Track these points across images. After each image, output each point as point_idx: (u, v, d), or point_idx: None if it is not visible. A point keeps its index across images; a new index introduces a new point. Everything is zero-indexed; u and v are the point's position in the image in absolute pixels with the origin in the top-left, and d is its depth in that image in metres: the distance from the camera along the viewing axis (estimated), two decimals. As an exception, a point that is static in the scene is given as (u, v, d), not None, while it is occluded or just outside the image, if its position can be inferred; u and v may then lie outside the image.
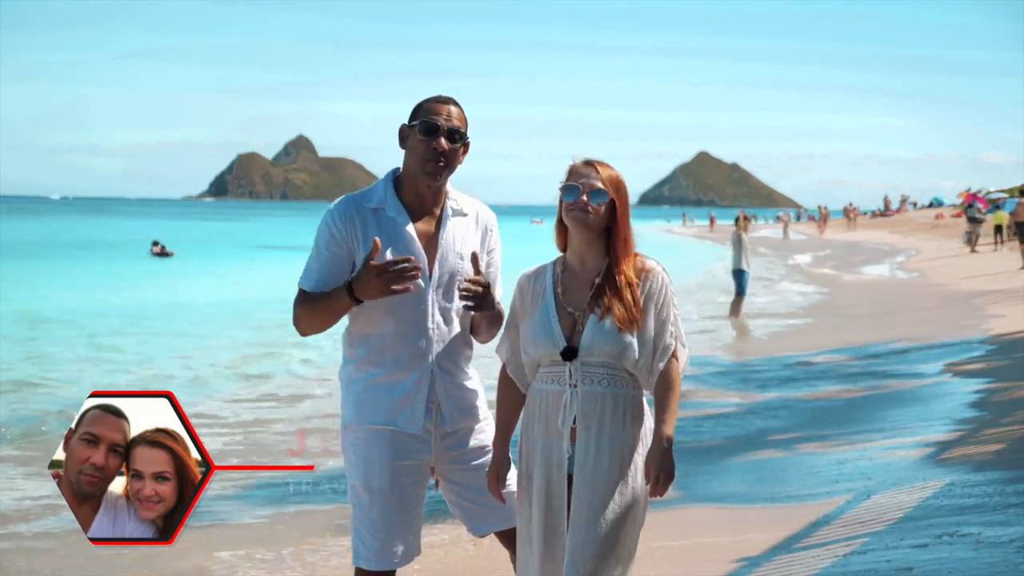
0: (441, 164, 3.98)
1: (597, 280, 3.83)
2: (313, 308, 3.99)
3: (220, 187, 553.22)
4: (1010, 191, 55.33)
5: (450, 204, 4.08)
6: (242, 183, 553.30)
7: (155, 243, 50.06)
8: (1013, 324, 16.16)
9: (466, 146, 4.07)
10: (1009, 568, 5.11)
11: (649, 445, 3.80)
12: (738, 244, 20.02)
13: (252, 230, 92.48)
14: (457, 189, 4.17)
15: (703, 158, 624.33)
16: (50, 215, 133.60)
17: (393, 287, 3.80)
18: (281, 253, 51.22)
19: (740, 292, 19.85)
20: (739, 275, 19.79)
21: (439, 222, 4.06)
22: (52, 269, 38.89)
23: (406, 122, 4.03)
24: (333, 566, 6.75)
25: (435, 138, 3.96)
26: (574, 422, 3.78)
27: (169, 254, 48.38)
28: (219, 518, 7.94)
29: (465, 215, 4.11)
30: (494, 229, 4.19)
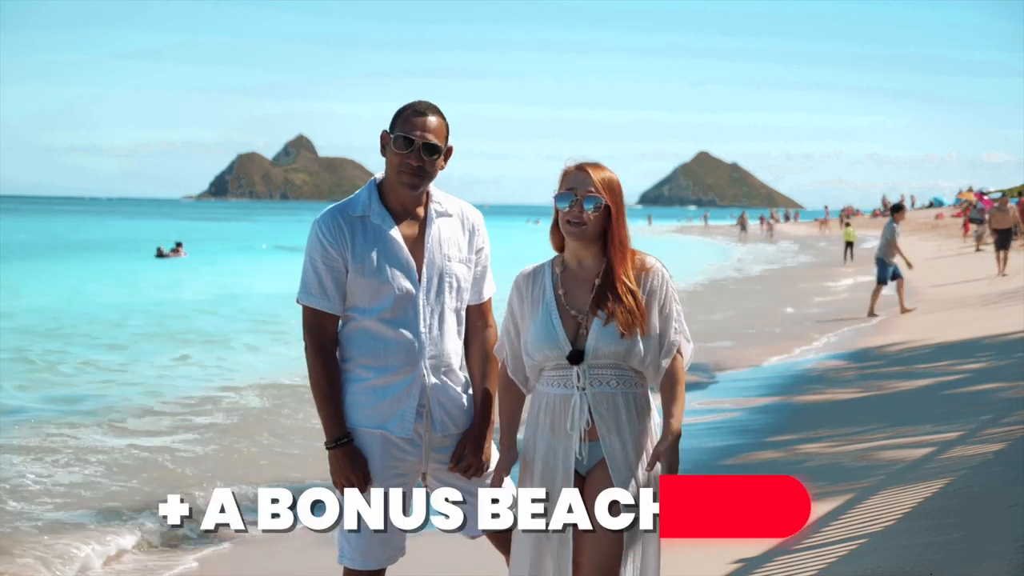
0: (416, 177, 4.00)
1: (597, 281, 3.84)
2: (319, 389, 4.01)
3: (220, 187, 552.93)
4: (1009, 191, 55.30)
5: (433, 206, 4.09)
6: (242, 183, 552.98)
7: (177, 244, 49.83)
8: (1013, 324, 16.14)
9: (449, 151, 4.07)
10: (1010, 568, 5.11)
11: (658, 438, 3.84)
12: (885, 235, 20.65)
13: (254, 230, 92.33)
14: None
15: (703, 158, 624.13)
16: (52, 215, 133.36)
17: (341, 485, 3.94)
18: (288, 254, 50.96)
19: (879, 280, 20.53)
20: (880, 264, 20.45)
21: (424, 224, 4.07)
22: (43, 274, 38.09)
23: (387, 128, 4.04)
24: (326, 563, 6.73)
25: (409, 152, 3.97)
26: (587, 424, 3.78)
27: (169, 255, 48.09)
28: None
29: (450, 216, 4.12)
30: (481, 228, 4.20)
